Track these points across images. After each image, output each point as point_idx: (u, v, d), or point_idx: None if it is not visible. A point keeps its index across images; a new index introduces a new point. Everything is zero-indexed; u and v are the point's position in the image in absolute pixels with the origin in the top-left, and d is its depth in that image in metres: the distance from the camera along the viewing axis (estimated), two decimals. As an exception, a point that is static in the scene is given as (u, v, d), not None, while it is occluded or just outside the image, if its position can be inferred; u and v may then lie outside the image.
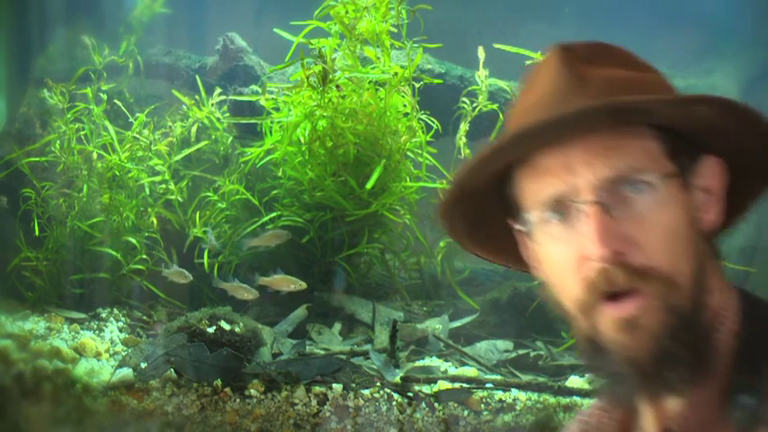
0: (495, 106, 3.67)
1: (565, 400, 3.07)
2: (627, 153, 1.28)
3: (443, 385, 3.14)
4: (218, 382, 3.05)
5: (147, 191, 3.83)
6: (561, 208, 1.31)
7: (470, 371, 3.30)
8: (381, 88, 3.58)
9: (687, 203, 1.32)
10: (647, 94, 1.30)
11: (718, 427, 1.29)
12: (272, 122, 3.68)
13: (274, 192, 3.74)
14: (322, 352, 3.38)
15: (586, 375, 3.22)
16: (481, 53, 3.64)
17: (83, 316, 3.63)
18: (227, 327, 3.20)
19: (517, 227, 1.38)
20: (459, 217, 1.45)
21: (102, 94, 3.92)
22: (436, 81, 3.80)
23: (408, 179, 3.69)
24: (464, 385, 3.15)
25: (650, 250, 1.27)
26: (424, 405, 3.04)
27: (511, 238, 1.43)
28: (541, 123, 1.26)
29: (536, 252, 1.37)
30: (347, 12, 3.54)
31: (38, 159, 3.83)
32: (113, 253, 3.74)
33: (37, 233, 3.77)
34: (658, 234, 1.27)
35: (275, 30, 3.68)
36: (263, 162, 3.71)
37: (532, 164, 1.33)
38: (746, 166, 1.37)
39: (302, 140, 3.63)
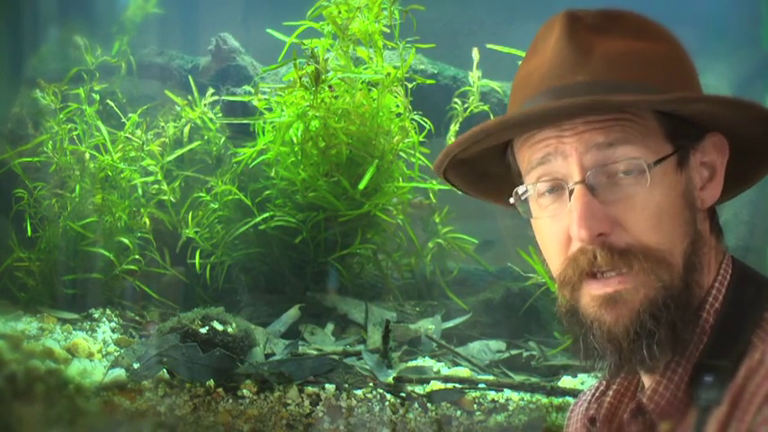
0: (486, 107, 3.67)
1: (557, 401, 3.07)
2: (621, 134, 1.28)
3: (436, 385, 3.14)
4: (211, 383, 3.05)
5: (140, 191, 3.81)
6: (554, 185, 1.32)
7: (463, 371, 3.30)
8: (374, 89, 3.58)
9: (682, 182, 1.32)
10: (653, 71, 1.30)
11: (688, 405, 1.30)
12: (264, 123, 3.67)
13: (267, 192, 3.74)
14: (315, 352, 3.37)
15: (579, 375, 3.22)
16: (476, 54, 3.64)
17: (75, 316, 3.62)
18: (219, 327, 3.20)
19: (516, 193, 1.39)
20: (458, 177, 1.46)
21: (94, 95, 3.90)
22: (429, 81, 3.80)
23: (401, 179, 3.69)
24: (457, 385, 3.14)
25: (638, 231, 1.27)
26: (416, 405, 3.04)
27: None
28: (522, 117, 1.28)
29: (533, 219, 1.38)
30: (340, 12, 3.54)
31: (30, 159, 3.81)
32: (106, 253, 3.73)
33: (29, 233, 3.76)
34: (647, 215, 1.27)
35: (268, 30, 3.67)
36: (255, 162, 3.70)
37: (529, 138, 1.33)
38: (748, 147, 1.38)
39: (295, 141, 3.63)
